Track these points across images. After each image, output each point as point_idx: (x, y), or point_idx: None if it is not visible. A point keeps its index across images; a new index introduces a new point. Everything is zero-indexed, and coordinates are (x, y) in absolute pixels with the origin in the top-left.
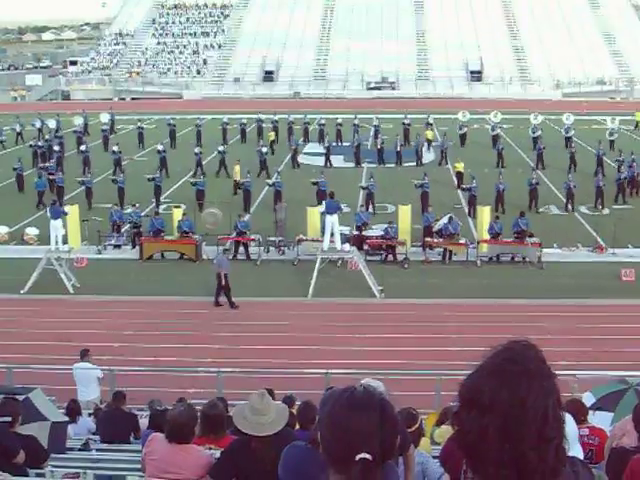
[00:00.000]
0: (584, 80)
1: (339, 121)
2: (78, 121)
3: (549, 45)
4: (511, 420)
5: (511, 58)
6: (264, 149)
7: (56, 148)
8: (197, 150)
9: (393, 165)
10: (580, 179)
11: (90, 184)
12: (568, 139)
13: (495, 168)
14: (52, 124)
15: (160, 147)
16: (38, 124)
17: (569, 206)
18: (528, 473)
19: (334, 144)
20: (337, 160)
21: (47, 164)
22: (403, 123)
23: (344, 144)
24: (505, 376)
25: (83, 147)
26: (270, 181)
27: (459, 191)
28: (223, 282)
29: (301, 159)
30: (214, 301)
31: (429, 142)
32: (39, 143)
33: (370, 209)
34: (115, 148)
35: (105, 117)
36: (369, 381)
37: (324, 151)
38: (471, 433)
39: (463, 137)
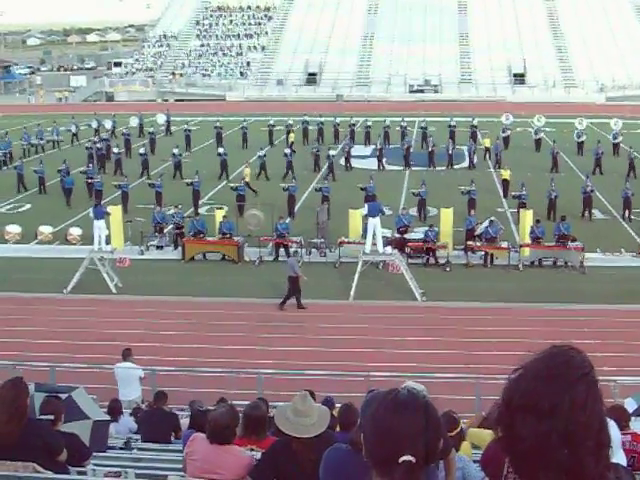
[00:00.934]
0: (628, 84)
1: (387, 123)
2: (134, 122)
3: (593, 48)
4: (573, 425)
5: (554, 61)
6: (332, 152)
7: (115, 150)
8: (261, 153)
9: (444, 168)
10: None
11: (126, 188)
12: (616, 145)
13: (552, 173)
14: (108, 125)
15: (221, 150)
16: (95, 124)
17: (625, 215)
18: (580, 478)
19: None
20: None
21: (86, 168)
22: (449, 126)
23: (390, 146)
24: (564, 381)
25: (142, 150)
26: (316, 186)
27: (504, 198)
28: (295, 284)
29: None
30: (297, 305)
31: (487, 149)
32: (98, 145)
33: (413, 212)
34: (175, 151)
35: (162, 118)
36: (412, 384)
37: (369, 153)
38: (528, 439)
39: (506, 140)
